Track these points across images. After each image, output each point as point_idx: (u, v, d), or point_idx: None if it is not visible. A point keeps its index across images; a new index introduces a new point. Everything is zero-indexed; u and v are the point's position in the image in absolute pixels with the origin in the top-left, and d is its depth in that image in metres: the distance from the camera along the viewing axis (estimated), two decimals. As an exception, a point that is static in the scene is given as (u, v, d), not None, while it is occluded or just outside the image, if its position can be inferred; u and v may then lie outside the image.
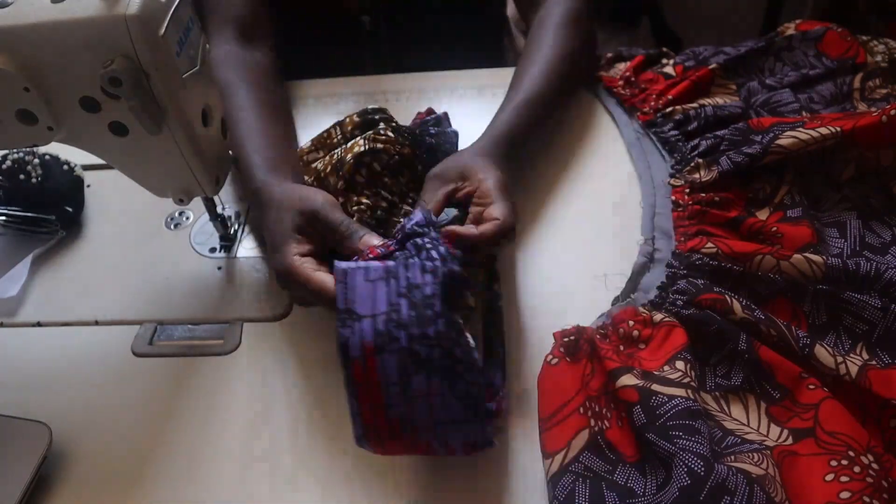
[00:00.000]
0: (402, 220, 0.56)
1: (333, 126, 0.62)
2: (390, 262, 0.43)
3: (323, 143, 0.62)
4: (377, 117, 0.60)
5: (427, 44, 0.85)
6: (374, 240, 0.48)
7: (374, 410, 0.40)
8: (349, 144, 0.57)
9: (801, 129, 0.56)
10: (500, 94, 0.76)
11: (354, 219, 0.53)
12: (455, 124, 0.64)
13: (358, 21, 0.85)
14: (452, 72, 0.80)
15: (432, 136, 0.61)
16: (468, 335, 0.42)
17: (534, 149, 0.67)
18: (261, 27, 0.73)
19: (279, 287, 0.53)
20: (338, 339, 0.40)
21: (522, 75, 0.66)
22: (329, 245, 0.51)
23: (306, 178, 0.59)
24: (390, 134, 0.57)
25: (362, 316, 0.40)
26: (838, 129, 0.55)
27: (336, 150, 0.59)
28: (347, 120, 0.61)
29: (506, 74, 0.78)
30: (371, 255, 0.46)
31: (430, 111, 0.65)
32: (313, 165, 0.60)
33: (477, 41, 0.88)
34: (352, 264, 0.43)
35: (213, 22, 0.71)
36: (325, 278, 0.47)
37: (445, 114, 0.65)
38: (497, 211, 0.50)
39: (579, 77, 0.73)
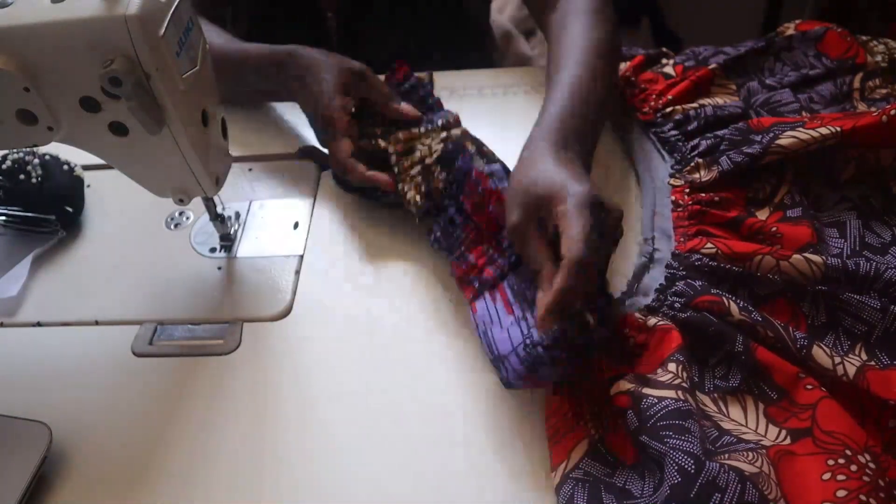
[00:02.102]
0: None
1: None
2: (517, 310, 0.49)
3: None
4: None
5: (396, 47, 0.85)
6: (408, 107, 0.61)
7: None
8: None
9: (801, 129, 0.56)
10: (500, 94, 0.77)
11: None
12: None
13: (324, 17, 0.85)
14: (452, 72, 0.80)
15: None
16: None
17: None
18: (216, 9, 0.78)
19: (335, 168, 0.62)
20: (501, 379, 0.47)
21: (561, 66, 0.61)
22: (367, 104, 0.59)
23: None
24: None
25: (506, 356, 0.47)
26: (838, 128, 0.55)
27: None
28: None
29: (507, 76, 0.78)
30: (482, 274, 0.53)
31: (404, 70, 0.68)
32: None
33: (454, 46, 0.87)
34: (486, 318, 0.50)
35: None
36: (378, 176, 0.58)
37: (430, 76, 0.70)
38: (566, 246, 0.44)
39: (615, 65, 0.67)
